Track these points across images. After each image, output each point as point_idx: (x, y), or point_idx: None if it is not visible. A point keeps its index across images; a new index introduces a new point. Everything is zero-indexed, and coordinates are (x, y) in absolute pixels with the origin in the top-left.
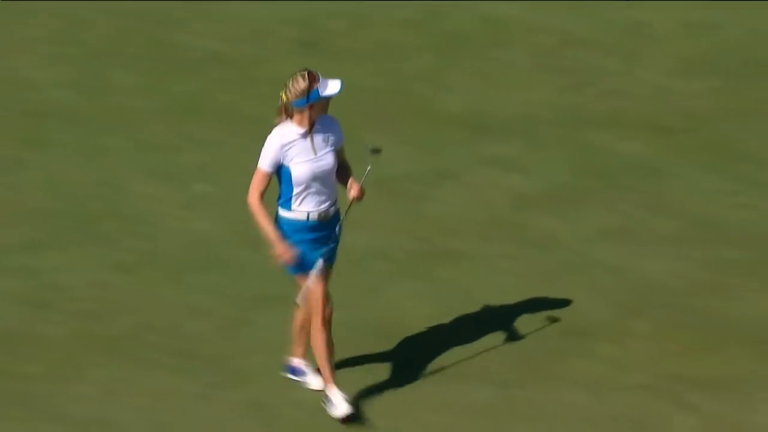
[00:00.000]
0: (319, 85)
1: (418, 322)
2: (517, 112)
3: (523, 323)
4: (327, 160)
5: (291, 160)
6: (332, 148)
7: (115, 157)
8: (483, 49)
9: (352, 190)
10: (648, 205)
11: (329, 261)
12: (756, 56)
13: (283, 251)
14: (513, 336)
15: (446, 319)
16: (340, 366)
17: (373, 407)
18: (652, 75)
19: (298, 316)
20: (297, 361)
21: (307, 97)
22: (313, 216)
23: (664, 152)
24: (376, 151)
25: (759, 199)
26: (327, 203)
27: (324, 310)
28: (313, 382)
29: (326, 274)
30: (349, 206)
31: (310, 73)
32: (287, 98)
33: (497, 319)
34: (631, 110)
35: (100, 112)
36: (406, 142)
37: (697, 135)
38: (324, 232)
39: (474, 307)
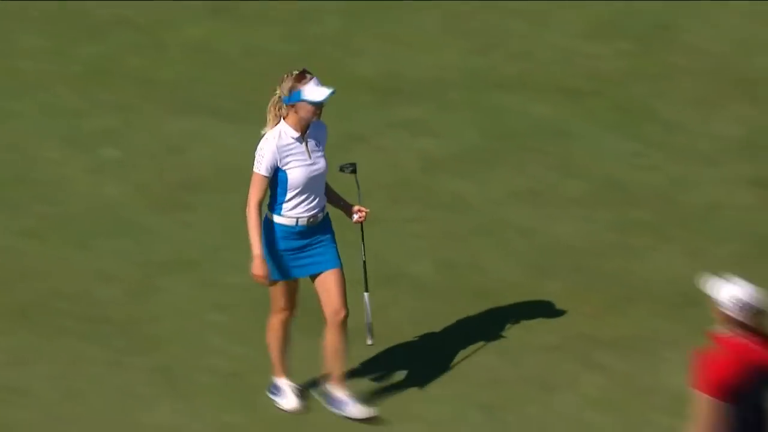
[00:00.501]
0: (304, 88)
1: None
2: (427, 75)
3: (433, 285)
4: (320, 164)
5: (287, 164)
6: (323, 152)
7: (20, 122)
8: (393, 13)
9: (356, 214)
10: (556, 166)
11: (322, 268)
12: (663, 19)
13: (259, 271)
14: (423, 298)
15: (356, 283)
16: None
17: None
18: (560, 38)
19: (324, 344)
20: (336, 392)
21: (290, 96)
22: (302, 221)
23: (573, 114)
24: (350, 167)
25: (665, 160)
26: (317, 209)
27: (286, 316)
28: (356, 411)
29: (336, 284)
30: (362, 232)
31: (299, 73)
32: (280, 94)
33: (407, 282)
34: (539, 73)
35: (5, 75)
36: None
37: (605, 97)
38: (311, 239)
39: (384, 270)
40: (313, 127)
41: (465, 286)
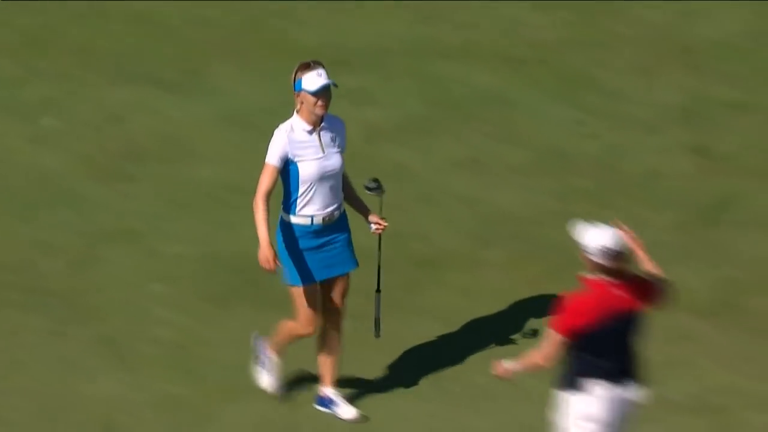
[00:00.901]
0: (304, 77)
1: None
2: (371, 44)
3: (375, 254)
4: (334, 160)
5: (298, 157)
6: (339, 149)
7: None
8: None
9: (373, 225)
10: (498, 135)
11: (338, 271)
12: None
13: (266, 258)
14: (366, 268)
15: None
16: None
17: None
18: (503, 8)
19: (319, 343)
20: (326, 391)
21: (294, 85)
22: (318, 220)
23: (515, 83)
24: (377, 187)
25: (605, 129)
26: (333, 206)
27: (310, 332)
28: (346, 412)
29: (343, 285)
30: (380, 244)
31: (305, 63)
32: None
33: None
34: (482, 42)
35: None
36: (261, 76)
37: (547, 66)
38: (329, 237)
39: None
40: (328, 122)
41: (408, 254)
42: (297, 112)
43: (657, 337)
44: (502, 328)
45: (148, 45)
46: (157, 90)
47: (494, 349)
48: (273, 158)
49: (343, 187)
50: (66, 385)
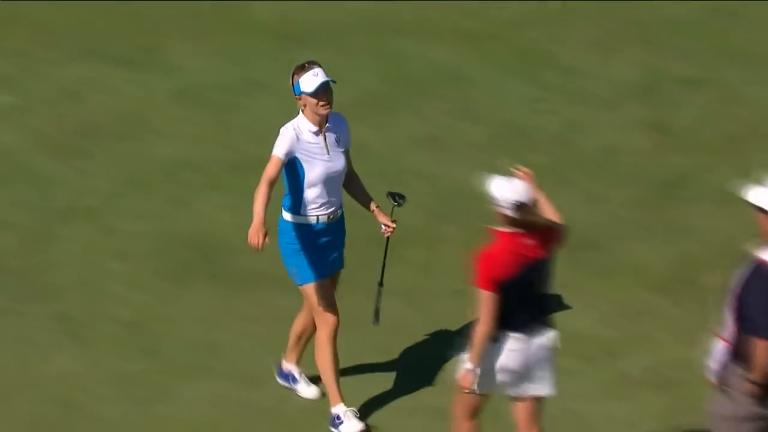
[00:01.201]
0: (301, 78)
1: (230, 233)
2: (327, 19)
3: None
4: (340, 161)
5: (304, 158)
6: (343, 149)
7: None
8: None
9: (384, 226)
10: (456, 112)
11: (338, 267)
12: None
13: (257, 233)
14: None
15: None
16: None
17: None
18: None
19: (298, 322)
20: (290, 367)
21: (293, 88)
22: (323, 219)
23: (472, 59)
24: (398, 199)
25: (562, 104)
26: (336, 206)
27: (334, 322)
28: (306, 390)
29: (335, 280)
30: (386, 248)
31: (300, 65)
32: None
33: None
34: (439, 18)
35: None
36: (216, 51)
37: (504, 42)
38: (332, 236)
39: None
40: (332, 121)
41: (366, 231)
42: (301, 113)
43: (615, 313)
44: (462, 304)
45: (105, 22)
46: (113, 67)
47: (456, 326)
48: (280, 151)
49: (350, 180)
50: (22, 363)
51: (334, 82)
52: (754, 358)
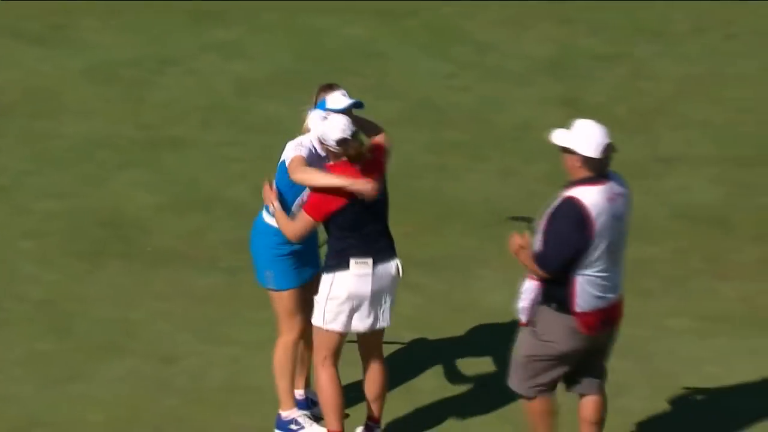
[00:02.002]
0: (329, 97)
1: (144, 211)
2: None
3: (249, 209)
4: None
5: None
6: None
7: None
8: None
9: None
10: (371, 88)
11: (315, 270)
12: None
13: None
14: (241, 223)
15: (173, 208)
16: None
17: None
18: None
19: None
20: (300, 393)
21: (314, 106)
22: None
23: (386, 36)
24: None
25: (476, 81)
26: None
27: (302, 329)
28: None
29: (312, 285)
30: None
31: (327, 85)
32: (308, 106)
33: (223, 206)
34: None
35: None
36: (127, 28)
37: (418, 18)
38: (310, 242)
39: (200, 194)
40: None
41: None
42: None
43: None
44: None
45: None
46: (24, 44)
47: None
48: (304, 151)
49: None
50: None
51: (362, 106)
52: (528, 257)
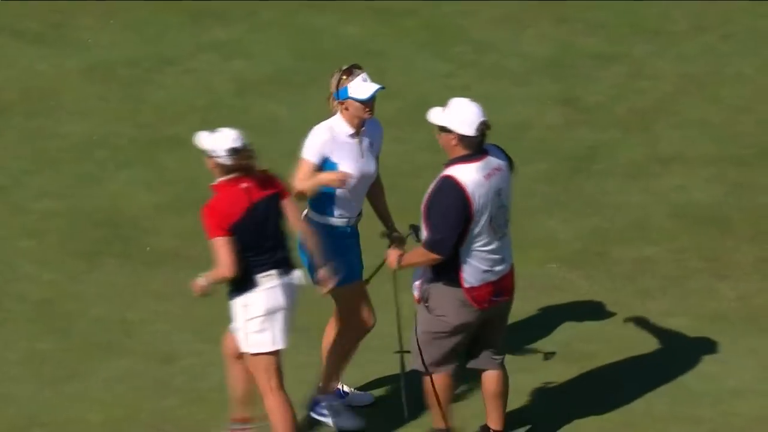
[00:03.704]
0: (350, 84)
1: (143, 211)
2: None
3: None
4: (372, 165)
5: (338, 159)
6: (375, 154)
7: None
8: None
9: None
10: None
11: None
12: None
13: (339, 175)
14: None
15: (172, 208)
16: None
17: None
18: None
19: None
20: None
21: (337, 93)
22: (352, 222)
23: (384, 34)
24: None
25: (474, 80)
26: (360, 209)
27: (369, 326)
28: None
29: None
30: (378, 268)
31: (346, 69)
32: (331, 89)
33: None
34: None
35: None
36: (126, 27)
37: (417, 17)
38: (355, 239)
39: (199, 194)
40: (368, 126)
41: None
42: (339, 114)
43: (527, 287)
44: (377, 281)
45: None
46: (22, 43)
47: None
48: (312, 155)
49: (376, 191)
50: None
51: (383, 88)
52: (413, 253)
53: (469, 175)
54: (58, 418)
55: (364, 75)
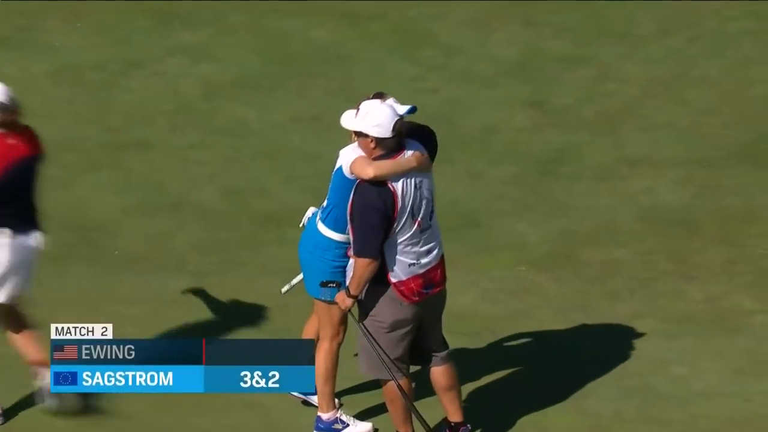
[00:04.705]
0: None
1: (110, 215)
2: None
3: (217, 211)
4: None
5: None
6: None
7: None
8: None
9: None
10: (337, 90)
11: None
12: None
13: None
14: (208, 226)
15: (140, 211)
16: None
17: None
18: None
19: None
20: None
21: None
22: None
23: (352, 38)
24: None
25: (443, 83)
26: None
27: (343, 335)
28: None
29: None
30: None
31: (377, 94)
32: None
33: (191, 209)
34: None
35: None
36: (93, 30)
37: (385, 21)
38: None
39: (167, 197)
40: None
41: (249, 211)
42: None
43: (497, 289)
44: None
45: None
46: None
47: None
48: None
49: None
50: None
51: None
52: (353, 276)
53: None
54: (26, 423)
55: (393, 99)
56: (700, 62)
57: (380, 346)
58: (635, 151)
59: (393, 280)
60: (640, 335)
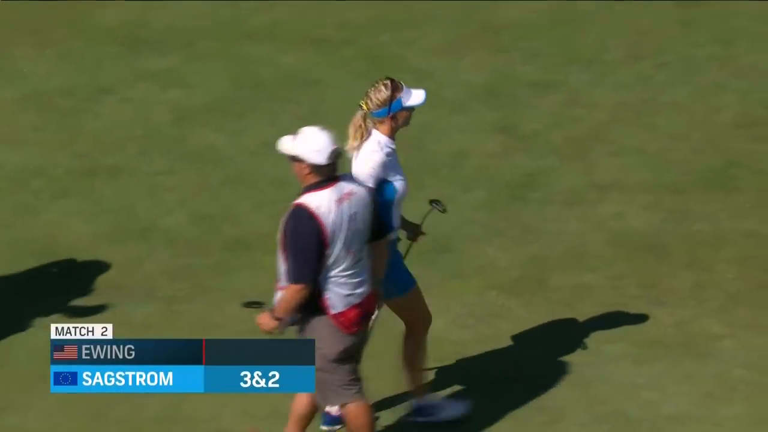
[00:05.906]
0: (402, 95)
1: (81, 241)
2: (174, 24)
3: (187, 238)
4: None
5: (393, 176)
6: None
7: None
8: None
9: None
10: (307, 116)
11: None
12: None
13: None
14: (177, 252)
15: (109, 238)
16: None
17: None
18: None
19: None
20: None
21: (389, 106)
22: (398, 232)
23: (322, 64)
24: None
25: None
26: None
27: (430, 320)
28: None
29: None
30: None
31: (392, 82)
32: (368, 108)
33: (161, 235)
34: (288, 22)
35: None
36: (62, 56)
37: (355, 46)
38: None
39: (137, 224)
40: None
41: (219, 237)
42: (377, 131)
43: (467, 314)
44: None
45: None
46: None
47: None
48: (372, 182)
49: None
50: None
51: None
52: (282, 299)
53: (320, 201)
54: None
55: (405, 86)
56: (668, 88)
57: (331, 375)
58: (604, 176)
59: (332, 311)
60: (609, 360)
